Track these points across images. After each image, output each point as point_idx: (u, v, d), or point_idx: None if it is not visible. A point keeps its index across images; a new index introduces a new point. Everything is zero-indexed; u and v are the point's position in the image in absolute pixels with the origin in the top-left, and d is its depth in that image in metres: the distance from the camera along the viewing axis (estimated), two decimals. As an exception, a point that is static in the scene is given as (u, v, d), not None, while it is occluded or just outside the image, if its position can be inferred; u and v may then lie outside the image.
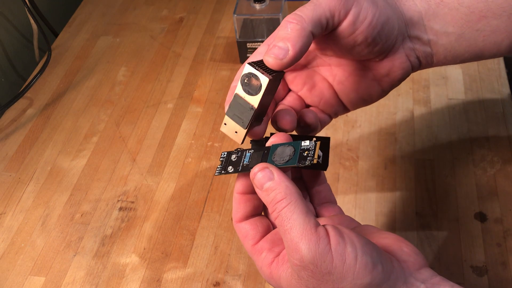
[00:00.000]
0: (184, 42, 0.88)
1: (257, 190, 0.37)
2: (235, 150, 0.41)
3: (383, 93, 0.45)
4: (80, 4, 0.99)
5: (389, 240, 0.38)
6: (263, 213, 0.43)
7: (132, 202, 0.65)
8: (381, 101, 0.73)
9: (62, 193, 0.68)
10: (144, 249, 0.61)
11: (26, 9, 0.85)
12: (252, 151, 0.40)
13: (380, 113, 0.72)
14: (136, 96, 0.79)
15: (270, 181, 0.36)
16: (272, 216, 0.36)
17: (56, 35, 0.95)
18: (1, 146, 0.74)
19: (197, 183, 0.67)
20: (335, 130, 0.71)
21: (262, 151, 0.39)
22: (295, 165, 0.37)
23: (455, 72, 0.76)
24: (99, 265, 0.60)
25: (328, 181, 0.65)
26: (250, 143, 0.41)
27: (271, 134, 0.41)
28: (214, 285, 0.57)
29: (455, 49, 0.43)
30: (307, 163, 0.37)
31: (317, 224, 0.35)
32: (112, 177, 0.69)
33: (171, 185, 0.67)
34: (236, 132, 0.39)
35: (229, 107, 0.38)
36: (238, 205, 0.40)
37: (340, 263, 0.33)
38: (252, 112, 0.37)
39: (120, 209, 0.65)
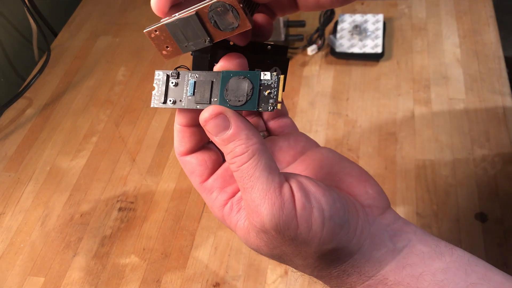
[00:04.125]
0: (184, 42, 0.88)
1: (210, 137, 0.32)
2: (173, 71, 0.33)
3: (345, 1, 0.36)
4: (80, 4, 0.98)
5: (353, 179, 0.36)
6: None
7: (132, 203, 0.65)
8: (382, 101, 0.73)
9: (62, 193, 0.67)
10: (144, 249, 0.60)
11: (25, 9, 0.85)
12: (196, 76, 0.32)
13: (380, 113, 0.72)
14: (135, 96, 0.79)
15: (226, 131, 0.30)
16: (230, 168, 0.32)
17: (55, 35, 0.94)
18: (0, 146, 0.74)
19: (197, 183, 0.67)
20: (335, 130, 0.70)
21: (209, 78, 0.32)
22: (254, 110, 0.31)
23: (456, 72, 0.76)
24: (98, 266, 0.59)
25: (328, 181, 0.65)
26: (192, 54, 0.34)
27: (216, 43, 0.32)
28: (214, 286, 0.57)
29: None
30: (269, 108, 0.31)
31: (282, 182, 0.31)
32: (112, 177, 0.68)
33: (171, 186, 0.67)
34: (167, 47, 0.31)
35: (178, 20, 0.30)
36: (182, 139, 0.34)
37: (305, 230, 0.30)
38: (205, 45, 0.31)
39: (120, 209, 0.65)
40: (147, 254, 0.60)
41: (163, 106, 0.32)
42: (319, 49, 0.81)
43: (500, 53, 0.77)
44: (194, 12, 0.29)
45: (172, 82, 0.33)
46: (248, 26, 0.29)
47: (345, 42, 0.80)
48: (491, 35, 0.80)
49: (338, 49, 0.79)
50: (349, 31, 0.81)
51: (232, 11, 0.29)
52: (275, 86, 0.31)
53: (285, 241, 0.31)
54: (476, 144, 0.67)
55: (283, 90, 0.36)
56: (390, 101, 0.73)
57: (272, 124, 0.40)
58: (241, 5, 0.28)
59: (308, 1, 0.35)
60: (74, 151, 0.72)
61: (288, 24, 0.82)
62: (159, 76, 0.33)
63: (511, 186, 0.62)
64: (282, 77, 0.31)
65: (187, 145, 0.35)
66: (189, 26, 0.30)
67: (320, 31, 0.81)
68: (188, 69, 0.33)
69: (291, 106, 0.74)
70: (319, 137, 0.70)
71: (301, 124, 0.72)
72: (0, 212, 0.66)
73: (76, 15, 0.96)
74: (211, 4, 0.29)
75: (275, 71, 0.33)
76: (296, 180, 0.32)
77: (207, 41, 0.30)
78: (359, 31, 0.80)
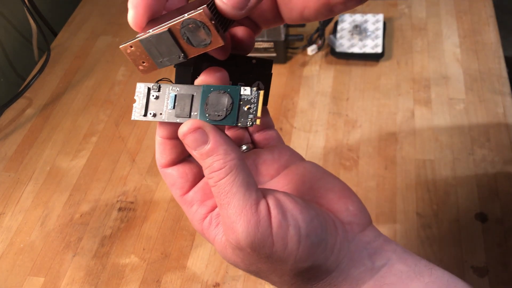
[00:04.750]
0: (184, 42, 0.87)
1: (189, 151, 0.31)
2: (154, 83, 0.33)
3: (330, 14, 0.36)
4: (80, 3, 0.98)
5: (334, 195, 0.35)
6: None
7: (132, 203, 0.65)
8: (382, 101, 0.73)
9: (62, 193, 0.67)
10: (144, 249, 0.60)
11: (25, 9, 0.85)
12: (177, 90, 0.32)
13: (380, 113, 0.72)
14: (135, 96, 0.79)
15: (204, 145, 0.30)
16: (208, 183, 0.31)
17: (55, 34, 0.94)
18: (0, 146, 0.74)
19: (197, 183, 0.67)
20: (335, 130, 0.70)
21: (190, 92, 0.32)
22: (233, 125, 0.31)
23: (456, 72, 0.76)
24: (98, 266, 0.59)
25: (329, 181, 0.65)
26: (175, 67, 0.34)
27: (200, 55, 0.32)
28: (214, 286, 0.57)
29: None
30: (248, 123, 0.31)
31: (259, 199, 0.30)
32: (112, 177, 0.68)
33: (171, 185, 0.67)
34: (143, 62, 0.31)
35: (151, 36, 0.30)
36: (163, 151, 0.34)
37: (281, 248, 0.30)
38: (179, 60, 0.30)
39: (120, 209, 0.65)
40: (147, 254, 0.60)
41: (144, 118, 0.32)
42: (319, 49, 0.81)
43: (500, 53, 0.77)
44: (166, 29, 0.29)
45: (153, 95, 0.32)
46: (220, 43, 0.29)
47: (345, 42, 0.80)
48: (491, 35, 0.80)
49: (338, 49, 0.79)
50: (349, 31, 0.81)
51: (203, 27, 0.29)
52: (255, 101, 0.31)
53: (261, 259, 0.31)
54: (476, 144, 0.67)
55: (266, 104, 0.37)
56: (390, 101, 0.73)
57: (258, 137, 0.40)
58: (213, 22, 0.28)
59: (293, 15, 0.35)
60: (74, 151, 0.72)
61: (288, 24, 0.82)
62: (140, 88, 0.33)
63: (511, 186, 0.62)
64: (261, 92, 0.31)
65: (168, 157, 0.34)
66: (163, 42, 0.30)
67: (320, 31, 0.80)
68: (171, 81, 0.33)
69: (291, 106, 0.74)
70: (319, 137, 0.70)
71: (301, 124, 0.72)
72: (0, 212, 0.66)
73: (76, 15, 0.96)
74: (183, 21, 0.29)
75: (257, 85, 0.33)
76: (273, 196, 0.31)
77: (181, 57, 0.30)
78: (359, 31, 0.80)
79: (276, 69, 0.80)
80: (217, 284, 0.57)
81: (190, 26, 0.29)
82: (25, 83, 0.82)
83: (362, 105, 0.73)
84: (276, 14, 0.36)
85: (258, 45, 0.78)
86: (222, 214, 0.31)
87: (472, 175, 0.63)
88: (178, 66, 0.34)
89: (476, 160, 0.65)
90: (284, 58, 0.80)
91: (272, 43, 0.78)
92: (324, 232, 0.31)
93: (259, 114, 0.30)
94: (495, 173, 0.63)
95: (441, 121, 0.70)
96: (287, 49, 0.81)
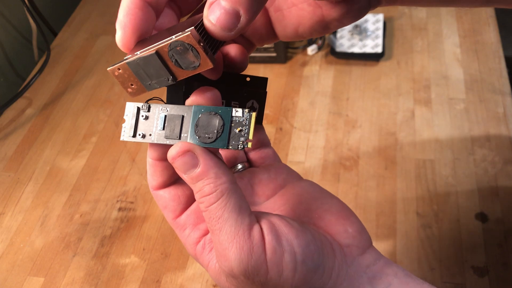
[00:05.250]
0: (184, 42, 0.87)
1: (179, 174, 0.30)
2: (144, 103, 0.32)
3: (326, 31, 0.36)
4: (80, 3, 0.98)
5: (332, 217, 0.34)
6: None
7: (132, 203, 0.65)
8: (382, 101, 0.73)
9: (61, 193, 0.67)
10: (144, 249, 0.60)
11: (25, 9, 0.85)
12: (168, 110, 0.31)
13: (380, 113, 0.72)
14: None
15: (194, 169, 0.29)
16: (200, 208, 0.30)
17: (55, 34, 0.94)
18: (0, 146, 0.74)
19: (197, 183, 0.66)
20: (335, 130, 0.70)
21: (180, 112, 0.31)
22: (224, 148, 0.30)
23: (456, 72, 0.76)
24: (98, 266, 0.59)
25: (329, 181, 0.65)
26: (167, 87, 0.33)
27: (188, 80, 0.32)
28: (214, 286, 0.57)
29: None
30: (240, 146, 0.29)
31: (252, 224, 0.29)
32: (112, 177, 0.68)
33: (171, 185, 0.67)
34: (132, 85, 0.30)
35: (139, 59, 0.29)
36: (154, 173, 0.33)
37: (276, 276, 0.29)
38: (168, 83, 0.30)
39: (120, 209, 0.65)
40: (147, 254, 0.60)
41: (133, 139, 0.31)
42: (319, 49, 0.81)
43: (500, 52, 0.77)
44: (154, 51, 0.28)
45: (142, 115, 0.31)
46: (209, 66, 0.28)
47: (345, 42, 0.80)
48: (491, 34, 0.80)
49: (338, 49, 0.79)
50: (349, 31, 0.81)
51: (191, 50, 0.28)
52: (247, 123, 0.30)
53: (255, 286, 0.30)
54: (476, 144, 0.67)
55: (260, 123, 0.37)
56: (390, 101, 0.73)
57: (253, 155, 0.39)
58: (201, 44, 0.27)
59: (287, 32, 0.35)
60: (74, 151, 0.72)
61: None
62: (130, 108, 0.32)
63: (511, 186, 0.62)
64: (254, 114, 0.30)
65: (160, 179, 0.33)
66: (151, 65, 0.29)
67: (320, 31, 0.80)
68: (162, 101, 0.32)
69: (291, 106, 0.74)
70: (319, 137, 0.70)
71: (301, 124, 0.72)
72: (0, 212, 0.66)
73: (76, 15, 0.96)
74: (170, 43, 0.28)
75: (251, 104, 0.32)
76: (268, 221, 0.30)
77: (170, 79, 0.29)
78: (359, 31, 0.80)
79: (276, 69, 0.80)
80: (217, 284, 0.57)
81: (178, 48, 0.28)
82: (25, 83, 0.82)
83: (362, 105, 0.73)
84: (270, 31, 0.35)
85: (258, 45, 0.78)
86: (214, 240, 0.30)
87: (472, 175, 0.63)
88: (169, 85, 0.33)
89: (476, 160, 0.65)
90: (284, 58, 0.80)
91: (272, 43, 0.78)
92: (321, 257, 0.30)
93: (250, 136, 0.29)
94: (495, 173, 0.63)
95: (441, 121, 0.70)
96: (287, 49, 0.81)
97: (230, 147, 0.30)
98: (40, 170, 0.70)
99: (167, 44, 0.28)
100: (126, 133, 0.31)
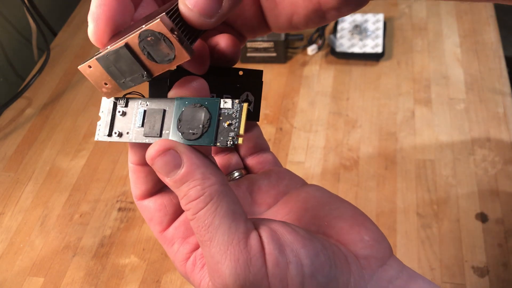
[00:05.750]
0: (184, 42, 0.87)
1: (161, 178, 0.26)
2: (121, 98, 0.28)
3: (322, 21, 0.31)
4: (79, 3, 0.98)
5: (345, 223, 0.29)
6: None
7: (131, 203, 0.65)
8: (382, 101, 0.73)
9: (61, 193, 0.67)
10: (144, 249, 0.60)
11: (24, 8, 0.85)
12: (147, 104, 0.27)
13: (381, 113, 0.72)
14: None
15: (177, 170, 0.25)
16: (187, 216, 0.26)
17: (55, 34, 0.94)
18: (0, 146, 0.74)
19: (197, 183, 0.66)
20: (335, 130, 0.70)
21: (162, 106, 0.27)
22: (211, 145, 0.26)
23: (456, 71, 0.76)
24: (98, 266, 0.59)
25: (329, 181, 0.65)
26: (149, 81, 0.29)
27: (179, 67, 0.28)
28: (214, 286, 0.57)
29: None
30: (228, 143, 0.25)
31: (248, 232, 0.25)
32: (111, 177, 0.68)
33: (171, 185, 0.66)
34: (106, 84, 0.27)
35: (108, 53, 0.26)
36: (137, 180, 0.29)
37: None
38: (143, 80, 0.26)
39: (119, 209, 0.65)
40: (147, 254, 0.60)
41: (108, 139, 0.28)
42: (319, 48, 0.81)
43: (500, 52, 0.77)
44: (123, 44, 0.25)
45: (119, 111, 0.28)
46: (186, 57, 0.24)
47: (345, 42, 0.80)
48: (491, 34, 0.80)
49: (338, 49, 0.79)
50: (349, 31, 0.81)
51: (164, 40, 0.24)
52: (237, 116, 0.25)
53: None
54: (476, 144, 0.66)
55: (257, 120, 0.32)
56: (391, 101, 0.73)
57: (251, 161, 0.35)
58: (175, 33, 0.24)
59: (280, 22, 0.31)
60: (73, 151, 0.72)
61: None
62: (105, 104, 0.28)
63: (511, 186, 0.62)
64: (245, 105, 0.26)
65: (143, 187, 0.29)
66: (122, 60, 0.25)
67: (320, 31, 0.80)
68: (143, 96, 0.28)
69: (291, 106, 0.74)
70: (319, 137, 0.70)
71: (301, 124, 0.72)
72: (0, 212, 0.66)
73: (76, 15, 0.96)
74: (140, 33, 0.24)
75: (247, 97, 0.29)
76: (267, 227, 0.26)
77: (144, 76, 0.26)
78: (359, 31, 0.80)
79: (276, 69, 0.80)
80: (217, 284, 0.57)
81: (148, 39, 0.24)
82: (25, 83, 0.82)
83: (362, 105, 0.73)
84: (261, 22, 0.31)
85: (258, 45, 0.78)
86: (205, 253, 0.25)
87: (473, 175, 0.63)
88: (151, 81, 0.29)
89: (476, 160, 0.65)
90: (284, 58, 0.80)
91: (272, 43, 0.78)
92: (333, 270, 0.26)
93: (241, 131, 0.25)
94: (496, 173, 0.63)
95: (441, 121, 0.70)
96: (287, 49, 0.81)
97: (218, 143, 0.25)
98: (40, 170, 0.70)
99: (137, 34, 0.24)
100: (100, 132, 0.28)
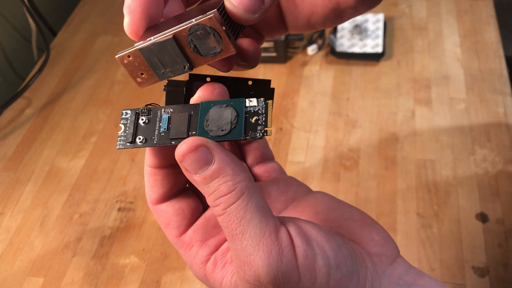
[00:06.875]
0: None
1: (188, 176, 0.27)
2: (143, 107, 0.29)
3: (339, 21, 0.33)
4: (79, 3, 0.98)
5: (355, 224, 0.31)
6: (187, 185, 0.32)
7: (131, 203, 0.65)
8: (382, 100, 0.73)
9: (61, 193, 0.67)
10: (143, 250, 0.60)
11: (24, 8, 0.85)
12: (171, 111, 0.29)
13: (381, 113, 0.72)
14: (135, 96, 0.79)
15: (208, 166, 0.26)
16: (215, 213, 0.27)
17: (54, 34, 0.94)
18: (-1, 146, 0.74)
19: (197, 183, 0.66)
20: (335, 130, 0.70)
21: (186, 111, 0.28)
22: (241, 138, 0.27)
23: (456, 71, 0.76)
24: (98, 266, 0.59)
25: (329, 181, 0.65)
26: (165, 85, 0.31)
27: (192, 76, 0.30)
28: (214, 286, 0.56)
29: None
30: (258, 135, 0.26)
31: (278, 226, 0.26)
32: (111, 178, 0.68)
33: (171, 186, 0.66)
34: (142, 74, 0.28)
35: (153, 45, 0.27)
36: (153, 183, 0.30)
37: (309, 283, 0.26)
38: (184, 71, 0.27)
39: (119, 209, 0.65)
40: (147, 255, 0.60)
41: (131, 146, 0.28)
42: (319, 48, 0.81)
43: (501, 52, 0.77)
44: (171, 36, 0.26)
45: (142, 119, 0.29)
46: (232, 51, 0.26)
47: (345, 42, 0.79)
48: (491, 34, 0.80)
49: (338, 49, 0.79)
50: (350, 31, 0.81)
51: (213, 34, 0.26)
52: (263, 111, 0.27)
53: None
54: (476, 144, 0.66)
55: (270, 125, 0.33)
56: (391, 100, 0.73)
57: (258, 170, 0.36)
58: (224, 28, 0.25)
59: (299, 22, 0.32)
60: (73, 151, 0.72)
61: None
62: (127, 115, 0.29)
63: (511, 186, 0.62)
64: (270, 102, 0.27)
65: (160, 191, 0.30)
66: (166, 51, 0.27)
67: (320, 31, 0.80)
68: (159, 106, 0.30)
69: (291, 106, 0.74)
70: (319, 137, 0.70)
71: (301, 124, 0.72)
72: (-1, 212, 0.66)
73: (76, 15, 0.95)
74: (190, 27, 0.26)
75: (262, 98, 0.30)
76: (293, 223, 0.27)
77: (186, 67, 0.27)
78: (359, 31, 0.80)
79: (276, 69, 0.79)
80: (217, 285, 0.57)
81: (198, 32, 0.26)
82: (24, 83, 0.82)
83: (363, 105, 0.73)
84: (280, 22, 0.33)
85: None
86: (235, 247, 0.26)
87: (473, 175, 0.63)
88: (168, 88, 0.30)
89: (476, 160, 0.65)
90: (284, 58, 0.80)
91: (272, 43, 0.77)
92: (354, 263, 0.27)
93: (269, 124, 0.27)
94: (496, 173, 0.63)
95: (441, 121, 0.70)
96: (287, 49, 0.81)
97: (248, 137, 0.26)
98: (39, 170, 0.70)
99: (187, 27, 0.26)
100: (122, 141, 0.29)
